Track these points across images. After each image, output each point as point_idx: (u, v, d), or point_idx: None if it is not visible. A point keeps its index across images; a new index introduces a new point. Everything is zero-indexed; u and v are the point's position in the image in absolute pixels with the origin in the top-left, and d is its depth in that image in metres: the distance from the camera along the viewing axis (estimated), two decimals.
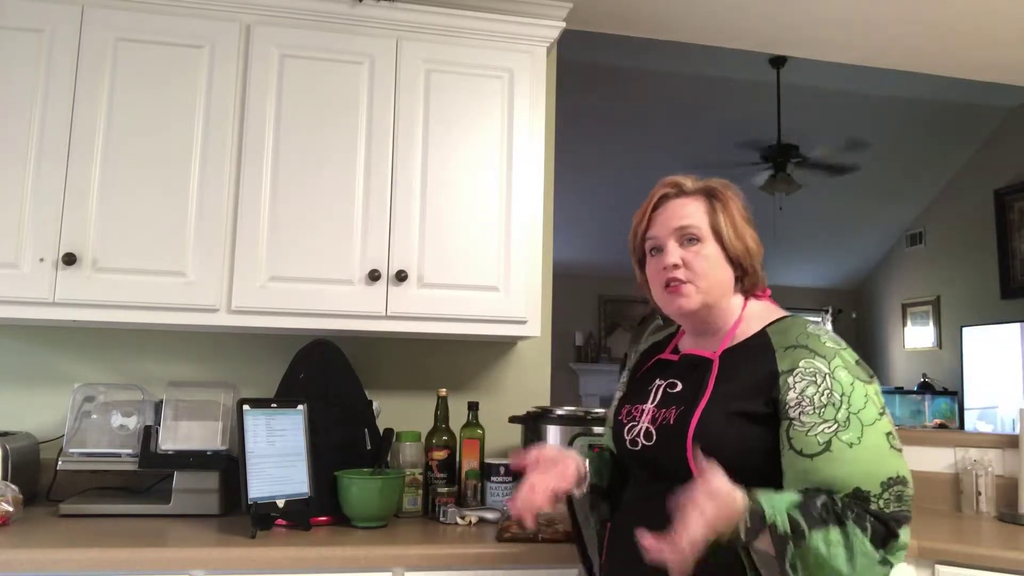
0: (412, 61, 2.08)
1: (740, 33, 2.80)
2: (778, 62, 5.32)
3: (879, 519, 1.15)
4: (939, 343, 7.10)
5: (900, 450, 1.20)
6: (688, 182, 1.38)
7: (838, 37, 2.80)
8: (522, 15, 2.22)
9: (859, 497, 1.16)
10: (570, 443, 1.94)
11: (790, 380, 1.22)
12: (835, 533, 1.11)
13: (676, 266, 1.32)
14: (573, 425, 2.00)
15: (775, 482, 1.21)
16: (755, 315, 1.35)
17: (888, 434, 1.20)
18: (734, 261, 1.34)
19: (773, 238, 7.25)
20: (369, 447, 1.98)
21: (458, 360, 2.39)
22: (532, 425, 2.07)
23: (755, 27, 2.74)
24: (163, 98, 1.95)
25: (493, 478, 2.01)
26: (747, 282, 1.36)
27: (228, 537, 1.68)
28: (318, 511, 1.81)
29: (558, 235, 2.71)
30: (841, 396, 1.20)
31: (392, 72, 2.07)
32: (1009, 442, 2.31)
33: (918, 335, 7.41)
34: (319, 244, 1.98)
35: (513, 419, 2.13)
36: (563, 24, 2.20)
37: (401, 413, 2.28)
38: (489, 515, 1.89)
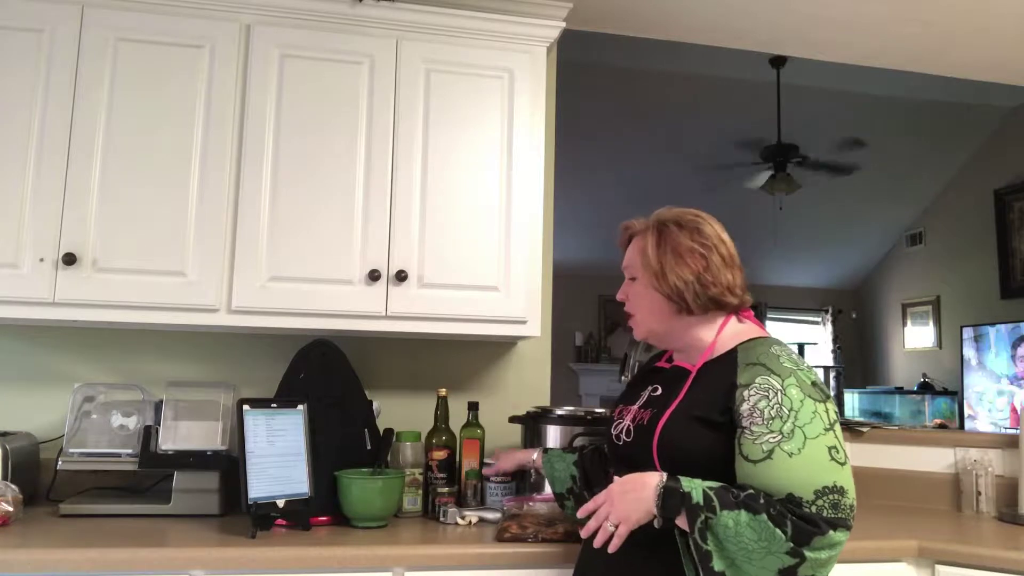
0: (412, 61, 2.08)
1: (740, 33, 2.80)
2: (778, 62, 5.32)
3: (805, 519, 1.23)
4: (939, 343, 7.10)
5: (843, 463, 1.28)
6: (636, 223, 1.54)
7: (838, 37, 2.80)
8: (522, 15, 2.22)
9: (791, 501, 1.25)
10: (570, 443, 1.95)
11: (745, 393, 1.33)
12: (745, 516, 1.23)
13: (622, 301, 1.55)
14: (573, 425, 2.00)
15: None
16: (732, 334, 1.46)
17: (831, 448, 1.28)
18: (669, 296, 1.45)
19: (773, 238, 7.26)
20: (369, 447, 1.98)
21: (458, 360, 2.39)
22: (532, 425, 2.07)
23: (755, 27, 2.74)
24: (163, 98, 1.95)
25: (493, 478, 2.01)
26: (695, 309, 1.44)
27: (228, 537, 1.68)
28: (318, 511, 1.81)
29: (558, 235, 2.71)
30: (789, 411, 1.29)
31: (392, 72, 2.07)
32: (1009, 442, 2.31)
33: (918, 335, 7.41)
34: (319, 244, 1.98)
35: (513, 419, 2.13)
36: (563, 24, 2.20)
37: (401, 413, 2.28)
38: (489, 515, 1.89)
